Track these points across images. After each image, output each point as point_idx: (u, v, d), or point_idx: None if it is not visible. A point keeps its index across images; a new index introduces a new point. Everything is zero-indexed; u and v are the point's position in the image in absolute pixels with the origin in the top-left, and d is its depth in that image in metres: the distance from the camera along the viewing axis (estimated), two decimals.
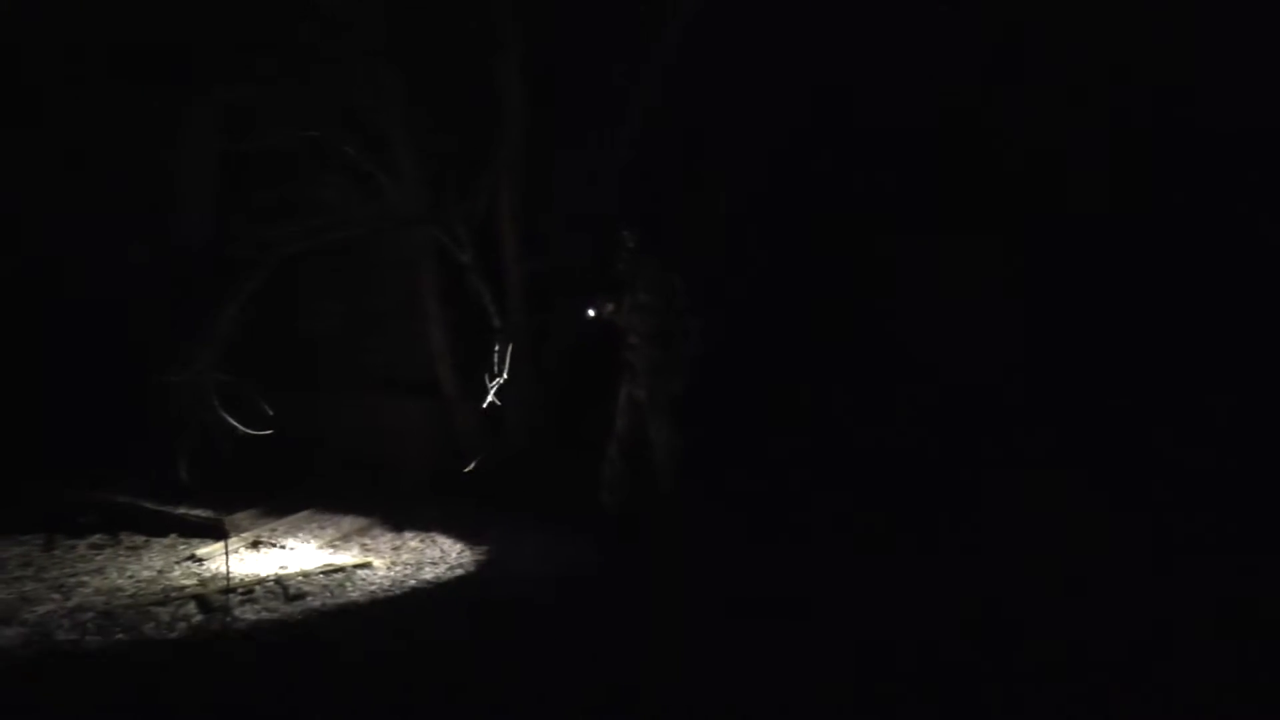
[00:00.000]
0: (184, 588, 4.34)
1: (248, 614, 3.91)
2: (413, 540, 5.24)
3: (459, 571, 4.61)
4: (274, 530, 5.49)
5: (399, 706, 2.95)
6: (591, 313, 5.33)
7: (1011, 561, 4.51)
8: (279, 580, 4.39)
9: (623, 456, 5.24)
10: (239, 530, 5.27)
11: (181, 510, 5.32)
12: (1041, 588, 4.09)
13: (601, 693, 2.99)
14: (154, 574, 4.67)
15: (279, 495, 6.11)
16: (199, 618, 3.90)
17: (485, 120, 6.26)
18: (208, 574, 4.62)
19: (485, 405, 5.23)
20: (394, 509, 6.03)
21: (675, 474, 5.10)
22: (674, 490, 5.10)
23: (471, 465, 5.96)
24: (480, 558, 4.87)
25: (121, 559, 4.97)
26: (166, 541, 5.30)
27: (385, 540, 5.25)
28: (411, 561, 4.83)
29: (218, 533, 5.00)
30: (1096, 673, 3.14)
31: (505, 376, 5.21)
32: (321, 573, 4.59)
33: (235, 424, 4.52)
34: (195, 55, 6.19)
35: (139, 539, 5.33)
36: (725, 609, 3.93)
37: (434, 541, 5.20)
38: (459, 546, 5.07)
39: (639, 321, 5.15)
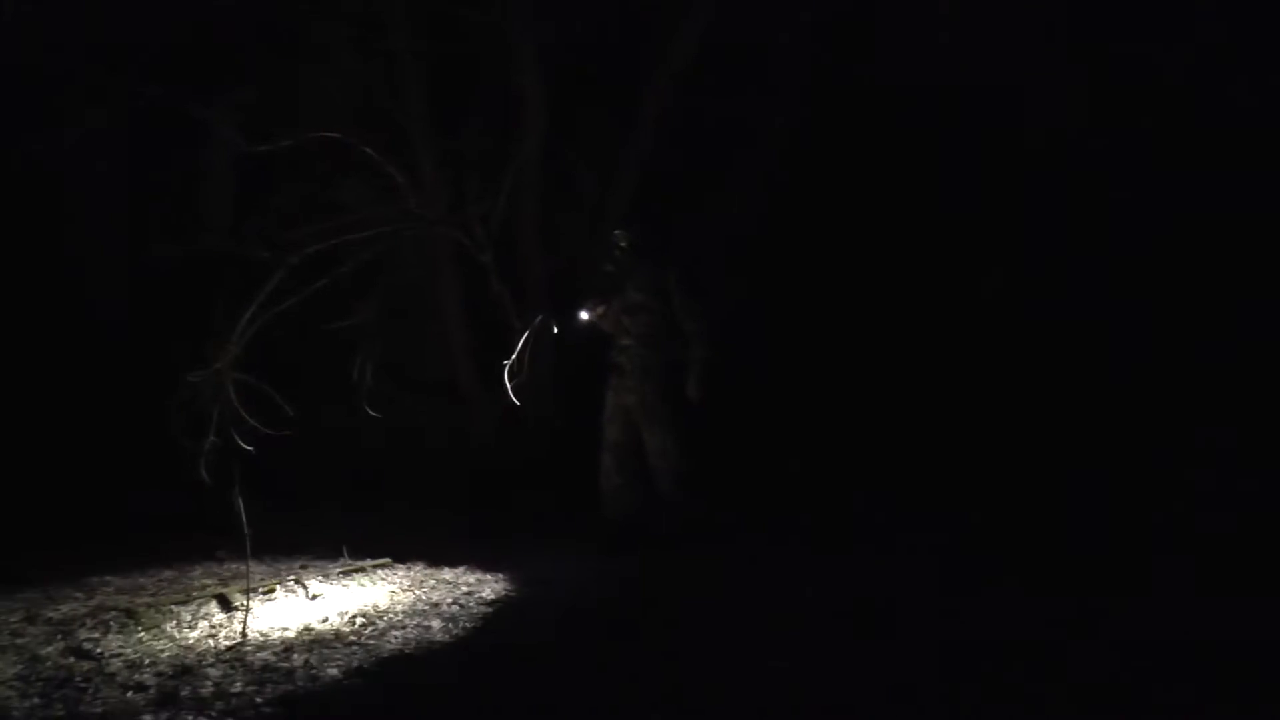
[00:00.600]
0: (205, 586, 4.36)
1: (268, 612, 3.93)
2: (430, 541, 5.25)
3: (477, 572, 4.62)
4: (294, 530, 5.52)
5: (416, 704, 2.95)
6: (585, 315, 5.17)
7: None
8: (299, 580, 4.40)
9: (619, 467, 4.98)
10: (259, 530, 5.27)
11: (201, 509, 5.33)
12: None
13: (623, 692, 2.99)
14: (175, 573, 4.69)
15: (298, 495, 6.13)
16: (220, 616, 3.91)
17: (504, 121, 6.28)
18: (228, 573, 4.64)
19: (503, 405, 5.22)
20: (411, 509, 6.05)
21: (677, 480, 4.87)
22: (677, 497, 4.90)
23: (492, 469, 5.95)
24: (495, 559, 4.87)
25: (142, 558, 5.00)
26: (186, 540, 5.33)
27: (403, 540, 5.26)
28: (429, 562, 4.84)
29: (238, 532, 5.00)
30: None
31: (523, 377, 5.19)
32: (341, 572, 4.60)
33: (255, 424, 4.53)
34: (214, 55, 6.22)
35: (159, 537, 5.37)
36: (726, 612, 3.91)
37: (451, 541, 5.21)
38: (475, 547, 5.07)
39: (631, 323, 4.96)
